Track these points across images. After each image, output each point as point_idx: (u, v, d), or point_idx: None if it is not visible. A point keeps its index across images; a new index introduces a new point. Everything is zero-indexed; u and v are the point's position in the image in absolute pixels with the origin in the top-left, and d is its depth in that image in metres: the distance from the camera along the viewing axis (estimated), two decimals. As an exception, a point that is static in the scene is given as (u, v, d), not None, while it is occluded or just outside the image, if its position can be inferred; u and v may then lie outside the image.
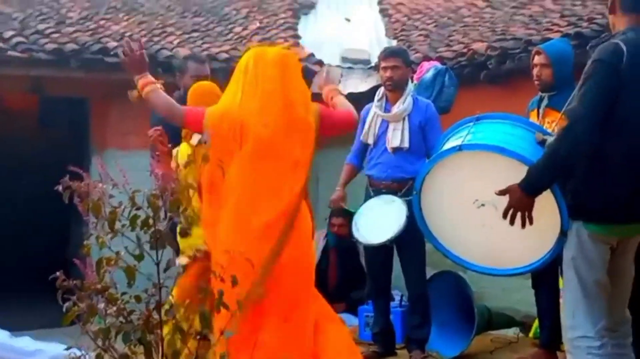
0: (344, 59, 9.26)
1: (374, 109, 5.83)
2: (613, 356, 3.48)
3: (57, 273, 2.84)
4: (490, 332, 6.46)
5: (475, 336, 6.03)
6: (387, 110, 5.78)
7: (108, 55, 7.70)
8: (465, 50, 7.81)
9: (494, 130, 3.94)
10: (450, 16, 9.74)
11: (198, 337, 2.91)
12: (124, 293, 2.86)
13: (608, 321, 3.49)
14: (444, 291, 6.17)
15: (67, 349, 2.97)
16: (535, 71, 5.29)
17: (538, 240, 3.69)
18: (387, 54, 5.93)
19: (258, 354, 3.80)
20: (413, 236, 5.20)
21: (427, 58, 7.67)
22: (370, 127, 5.82)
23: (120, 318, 2.83)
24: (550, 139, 3.59)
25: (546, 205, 3.52)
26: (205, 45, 8.61)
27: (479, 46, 7.69)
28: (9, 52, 7.36)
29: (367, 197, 5.82)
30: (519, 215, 3.43)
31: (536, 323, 6.08)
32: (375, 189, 5.77)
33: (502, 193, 3.48)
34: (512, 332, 6.58)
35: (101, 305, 2.85)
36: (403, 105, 5.69)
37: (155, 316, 2.84)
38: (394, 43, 9.33)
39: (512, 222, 3.45)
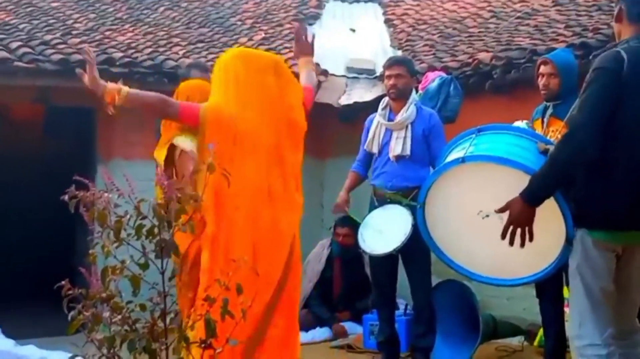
0: (349, 69, 9.28)
1: (378, 118, 5.85)
2: (620, 364, 3.48)
3: (63, 282, 2.85)
4: (495, 341, 6.45)
5: (480, 344, 6.03)
6: (390, 119, 5.79)
7: (114, 65, 7.73)
8: (470, 60, 7.81)
9: (496, 141, 3.95)
10: (455, 26, 9.75)
11: (203, 345, 2.91)
12: (129, 302, 2.86)
13: (615, 329, 3.48)
14: (449, 299, 6.16)
15: (72, 357, 2.97)
16: (542, 81, 5.29)
17: (543, 249, 3.69)
18: (392, 62, 5.96)
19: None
20: (418, 245, 5.20)
21: (432, 68, 7.68)
22: (374, 136, 5.84)
23: (125, 327, 2.83)
24: (552, 148, 3.59)
25: (551, 214, 3.52)
26: (210, 56, 8.63)
27: (484, 56, 7.70)
28: (16, 63, 7.39)
29: (372, 207, 5.83)
30: (518, 231, 3.42)
31: (541, 332, 6.07)
32: (380, 199, 5.78)
33: (502, 210, 3.47)
34: (517, 341, 6.57)
35: (106, 314, 2.85)
36: (406, 113, 5.71)
37: (160, 324, 2.84)
38: (399, 53, 9.34)
39: (511, 242, 3.44)
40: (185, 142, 4.09)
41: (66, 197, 2.89)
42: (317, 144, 9.28)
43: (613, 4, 3.81)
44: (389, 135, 5.78)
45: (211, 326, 2.87)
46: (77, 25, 8.95)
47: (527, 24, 8.62)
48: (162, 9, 10.39)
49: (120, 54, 8.02)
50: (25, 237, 10.32)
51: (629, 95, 3.34)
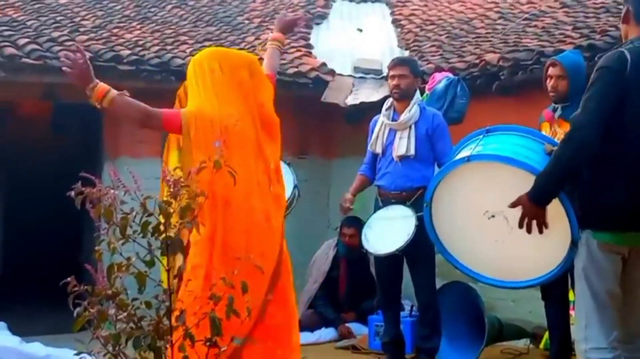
0: (356, 69, 9.27)
1: (382, 118, 5.86)
2: (626, 368, 3.47)
3: (69, 279, 2.85)
4: (501, 343, 6.45)
5: (486, 346, 6.02)
6: (394, 119, 5.80)
7: (121, 63, 7.74)
8: (477, 61, 7.80)
9: (503, 141, 3.94)
10: (462, 27, 9.74)
11: (208, 343, 2.91)
12: (134, 299, 2.87)
13: (621, 332, 3.47)
14: (455, 301, 6.16)
15: (78, 354, 2.96)
16: (550, 82, 5.28)
17: (549, 251, 3.68)
18: (396, 62, 5.96)
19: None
20: (423, 247, 5.20)
21: (439, 69, 7.67)
22: (378, 136, 5.85)
23: (131, 324, 2.83)
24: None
25: (556, 216, 3.51)
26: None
27: (491, 57, 7.68)
28: (23, 59, 7.40)
29: (377, 207, 5.83)
30: (534, 222, 3.42)
31: (547, 335, 6.05)
32: (385, 199, 5.78)
33: (514, 205, 3.47)
34: (522, 343, 6.56)
35: (112, 311, 2.86)
36: (409, 113, 5.71)
37: (166, 322, 2.84)
38: (406, 53, 9.33)
39: (529, 231, 3.44)
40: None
41: (73, 193, 2.89)
42: (323, 144, 9.30)
43: (621, 6, 3.79)
44: (393, 136, 5.78)
45: (216, 324, 2.87)
46: (84, 22, 8.96)
47: (535, 26, 8.61)
48: (169, 7, 10.40)
49: (128, 52, 8.03)
50: (32, 233, 10.34)
51: (632, 95, 3.34)
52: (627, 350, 3.49)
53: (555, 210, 3.49)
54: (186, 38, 9.13)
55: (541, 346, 6.34)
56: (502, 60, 7.47)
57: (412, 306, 6.50)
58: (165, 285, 2.94)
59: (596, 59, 5.91)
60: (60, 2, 9.62)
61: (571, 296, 4.87)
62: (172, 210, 2.86)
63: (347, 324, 7.34)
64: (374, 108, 6.32)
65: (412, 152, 5.66)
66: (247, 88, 4.05)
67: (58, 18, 8.89)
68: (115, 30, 8.85)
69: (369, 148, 5.95)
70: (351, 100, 8.53)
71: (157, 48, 8.44)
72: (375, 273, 6.06)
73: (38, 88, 7.85)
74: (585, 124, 3.34)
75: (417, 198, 5.48)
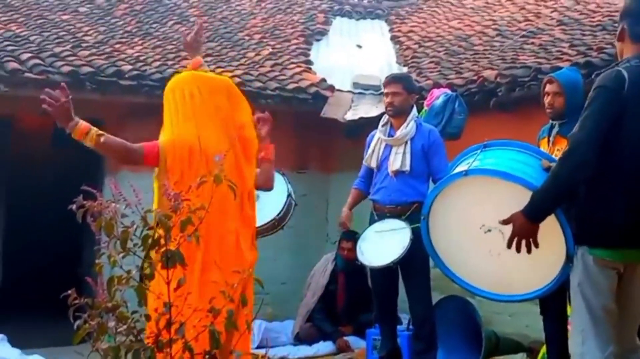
0: (355, 85, 9.30)
1: (378, 134, 5.89)
2: (621, 383, 3.47)
3: (69, 291, 2.85)
4: (497, 357, 6.43)
5: (483, 361, 6.02)
6: (391, 135, 5.82)
7: (123, 78, 7.76)
8: (475, 78, 7.82)
9: (500, 156, 3.95)
10: (460, 44, 9.77)
11: (207, 356, 2.90)
12: (134, 312, 2.86)
13: (616, 347, 3.47)
14: (452, 315, 6.16)
15: (77, 366, 2.97)
16: (547, 99, 5.29)
17: (545, 266, 3.68)
18: (389, 80, 5.99)
19: None
20: (418, 260, 5.20)
21: (437, 85, 7.69)
22: (373, 151, 5.87)
23: (131, 337, 2.83)
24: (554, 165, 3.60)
25: (552, 232, 3.51)
26: (218, 70, 8.65)
27: (489, 74, 7.70)
28: (26, 74, 7.41)
29: (372, 221, 5.84)
30: (523, 242, 3.42)
31: (543, 349, 6.04)
32: (380, 213, 5.79)
33: (505, 222, 3.47)
34: (519, 358, 6.55)
35: (112, 323, 2.85)
36: (406, 129, 5.73)
37: (165, 335, 2.83)
38: (405, 70, 9.36)
39: (518, 250, 3.44)
40: None
41: (74, 207, 2.89)
42: (322, 159, 9.31)
43: (617, 24, 3.81)
44: (389, 151, 5.80)
45: (215, 338, 2.87)
46: (87, 38, 8.98)
47: (532, 43, 8.63)
48: (171, 23, 10.43)
49: (129, 67, 8.05)
50: (32, 246, 10.32)
51: (630, 113, 3.35)
52: (623, 365, 3.49)
53: (551, 226, 3.49)
54: (187, 54, 9.15)
55: (538, 360, 6.33)
56: (500, 77, 7.49)
57: (409, 320, 6.49)
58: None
59: (593, 76, 5.94)
60: (63, 17, 9.64)
61: (569, 311, 4.87)
62: (171, 224, 2.86)
63: (345, 338, 7.34)
64: (373, 123, 6.34)
65: (407, 167, 5.67)
66: (225, 111, 4.07)
67: (61, 33, 8.92)
68: (117, 46, 8.87)
69: (364, 162, 5.97)
70: (350, 116, 8.55)
71: (158, 63, 8.46)
72: (371, 286, 6.07)
73: (40, 102, 7.86)
74: (584, 143, 3.34)
75: (412, 213, 5.51)
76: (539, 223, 3.40)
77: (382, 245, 5.59)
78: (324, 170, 9.31)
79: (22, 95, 7.46)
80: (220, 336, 2.88)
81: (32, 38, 8.44)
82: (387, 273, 5.69)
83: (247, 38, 10.35)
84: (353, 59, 10.29)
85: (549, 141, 5.24)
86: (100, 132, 3.94)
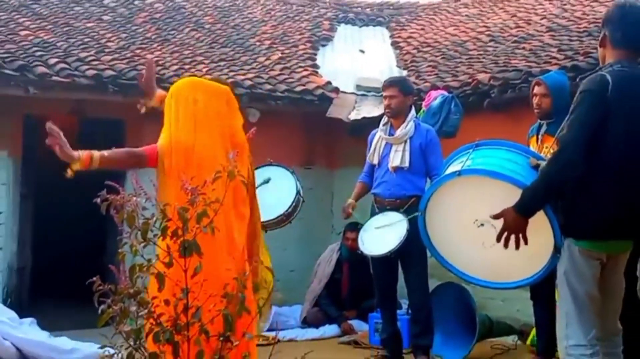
0: (359, 87, 9.29)
1: (379, 133, 5.91)
2: (604, 363, 3.48)
3: (94, 278, 2.87)
4: (491, 339, 6.44)
5: (477, 342, 6.02)
6: (391, 134, 5.84)
7: (143, 81, 7.76)
8: (470, 81, 7.81)
9: (491, 155, 3.95)
10: (456, 49, 9.75)
11: (221, 338, 2.92)
12: (154, 297, 2.88)
13: (599, 331, 3.48)
14: (448, 300, 6.16)
15: (102, 348, 2.99)
16: (535, 100, 5.29)
17: (534, 256, 3.68)
18: (386, 84, 6.02)
19: None
20: (415, 250, 5.22)
21: (434, 87, 7.69)
22: (375, 149, 5.91)
23: (151, 320, 2.84)
24: (543, 164, 3.60)
25: (540, 225, 3.52)
26: (231, 74, 8.67)
27: (483, 77, 7.70)
28: (54, 77, 7.43)
29: (373, 213, 5.87)
30: (513, 237, 3.42)
31: (533, 332, 6.05)
32: (380, 206, 5.81)
33: (497, 217, 3.47)
34: (511, 339, 6.56)
35: (133, 308, 2.86)
36: (405, 129, 5.76)
37: (183, 318, 2.85)
38: (405, 73, 9.35)
39: (506, 245, 3.44)
40: None
41: (98, 200, 2.91)
42: (328, 156, 9.31)
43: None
44: (389, 149, 5.83)
45: (229, 321, 2.88)
46: (109, 44, 8.99)
47: (523, 48, 8.61)
48: (187, 29, 10.43)
49: (149, 71, 8.05)
50: (60, 237, 10.35)
51: (613, 115, 3.35)
52: (605, 346, 3.50)
53: (540, 220, 3.49)
54: (202, 58, 9.16)
55: (528, 342, 6.33)
56: (493, 80, 7.48)
57: (408, 305, 6.50)
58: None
59: (577, 79, 5.94)
60: (88, 25, 9.65)
61: (557, 297, 4.87)
62: (189, 216, 2.88)
63: (349, 322, 7.35)
64: (375, 122, 6.34)
65: (406, 164, 5.70)
66: (223, 117, 4.06)
67: (85, 40, 8.92)
68: (137, 51, 8.88)
69: (367, 159, 6.00)
70: (354, 116, 8.55)
71: (176, 67, 8.47)
72: (372, 274, 6.09)
73: (67, 104, 7.88)
74: (571, 144, 3.33)
75: (410, 206, 5.54)
76: (529, 217, 3.40)
77: (382, 236, 5.62)
78: (329, 166, 9.31)
79: (50, 97, 7.48)
80: (233, 319, 2.89)
81: (59, 44, 8.45)
82: (386, 262, 5.71)
83: (258, 44, 10.34)
84: (356, 63, 10.28)
85: (537, 139, 5.25)
86: (102, 153, 3.90)
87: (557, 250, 3.54)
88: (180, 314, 2.84)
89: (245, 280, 3.00)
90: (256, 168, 4.96)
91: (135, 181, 3.06)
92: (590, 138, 3.32)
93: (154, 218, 2.90)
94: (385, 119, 5.95)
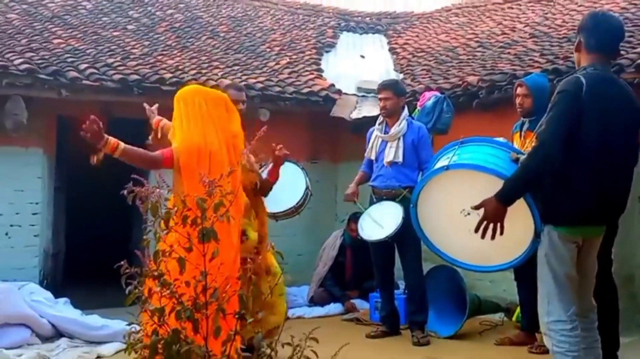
0: (359, 89, 9.27)
1: (376, 132, 5.95)
2: (582, 337, 3.49)
3: (121, 262, 2.89)
4: (480, 316, 6.45)
5: (467, 319, 6.03)
6: (386, 132, 5.88)
7: (164, 84, 7.77)
8: (460, 82, 7.80)
9: (475, 151, 3.97)
10: (448, 54, 9.73)
11: (237, 316, 2.94)
12: (176, 279, 2.90)
13: (577, 307, 3.50)
14: (441, 281, 6.17)
15: (129, 324, 3.01)
16: (518, 100, 5.30)
17: (516, 241, 3.70)
18: (380, 87, 6.05)
19: None
20: (410, 236, 5.23)
21: (428, 88, 7.68)
22: (372, 146, 5.97)
23: (173, 300, 2.86)
24: (522, 157, 3.61)
25: (522, 213, 3.53)
26: (244, 77, 8.66)
27: (472, 79, 7.69)
28: (84, 81, 7.44)
29: (371, 203, 5.91)
30: (491, 226, 3.41)
31: (518, 310, 6.07)
32: (377, 196, 5.86)
33: (477, 207, 3.47)
34: (498, 316, 6.57)
35: (157, 289, 2.89)
36: (399, 127, 5.81)
37: (202, 298, 2.87)
38: (401, 76, 9.33)
39: (483, 235, 3.42)
40: None
41: (125, 192, 2.93)
42: (332, 151, 9.31)
43: (579, 37, 3.80)
44: (384, 145, 5.87)
45: (244, 301, 2.90)
46: (134, 50, 8.99)
47: (508, 53, 8.60)
48: (204, 37, 10.42)
49: (170, 75, 8.06)
50: (91, 226, 10.39)
51: (587, 114, 3.36)
52: (583, 322, 3.52)
53: (521, 208, 3.50)
54: (218, 63, 9.16)
55: (514, 318, 6.35)
56: (481, 82, 7.48)
57: (405, 286, 6.52)
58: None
59: (555, 81, 5.93)
60: (114, 34, 9.65)
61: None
62: (206, 206, 2.89)
63: (351, 301, 7.36)
64: (374, 121, 6.34)
65: (400, 159, 5.75)
66: (223, 121, 4.11)
67: (112, 47, 8.92)
68: (159, 57, 8.88)
69: (366, 154, 6.05)
70: (355, 115, 8.55)
71: (194, 72, 8.46)
72: (372, 257, 6.11)
73: (96, 105, 7.87)
74: (549, 139, 3.34)
75: (405, 196, 5.56)
76: (508, 206, 3.40)
77: (379, 222, 5.67)
78: (333, 160, 9.31)
79: (81, 99, 7.49)
80: (248, 300, 2.91)
81: (88, 51, 8.46)
82: (384, 246, 5.76)
83: (268, 50, 10.33)
84: (357, 67, 10.26)
85: (520, 135, 5.26)
86: (126, 146, 4.02)
87: (537, 235, 3.55)
88: (199, 294, 2.86)
89: (257, 259, 3.01)
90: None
91: (158, 175, 3.08)
92: (567, 134, 3.33)
93: (175, 208, 2.92)
94: (380, 119, 5.98)
